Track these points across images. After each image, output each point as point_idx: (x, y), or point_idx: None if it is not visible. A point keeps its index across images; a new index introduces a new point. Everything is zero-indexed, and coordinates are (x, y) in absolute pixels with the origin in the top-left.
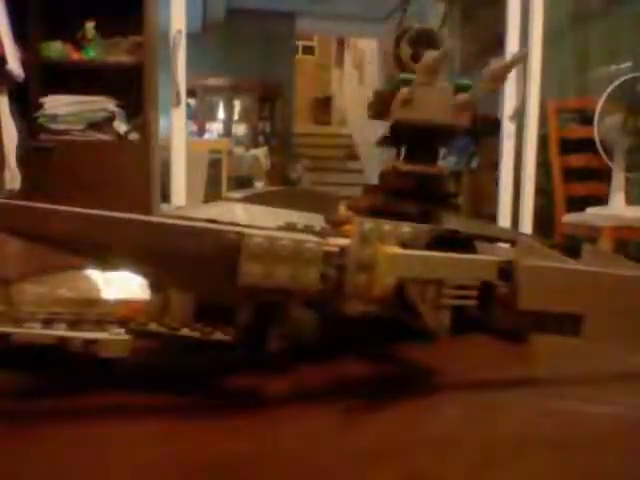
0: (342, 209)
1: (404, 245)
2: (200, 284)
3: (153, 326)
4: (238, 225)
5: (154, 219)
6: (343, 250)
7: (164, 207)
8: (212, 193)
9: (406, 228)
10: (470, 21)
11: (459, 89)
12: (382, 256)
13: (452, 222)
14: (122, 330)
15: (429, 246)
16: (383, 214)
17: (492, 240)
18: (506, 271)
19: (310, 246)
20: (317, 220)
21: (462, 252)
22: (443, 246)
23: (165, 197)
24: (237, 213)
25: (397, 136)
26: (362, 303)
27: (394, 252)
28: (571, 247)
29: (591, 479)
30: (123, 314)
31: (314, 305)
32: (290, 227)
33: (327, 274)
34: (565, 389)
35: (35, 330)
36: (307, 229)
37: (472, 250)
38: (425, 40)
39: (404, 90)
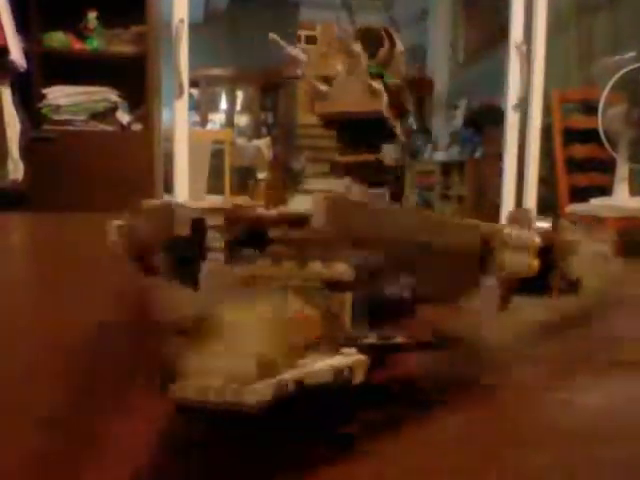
0: None
1: None
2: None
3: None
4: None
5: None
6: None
7: (167, 198)
8: (215, 185)
9: None
10: (474, 11)
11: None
12: None
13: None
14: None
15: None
16: None
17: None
18: None
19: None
20: None
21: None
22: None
23: (167, 187)
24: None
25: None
26: None
27: None
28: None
29: (593, 470)
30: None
31: None
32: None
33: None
34: (562, 382)
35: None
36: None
37: None
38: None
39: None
